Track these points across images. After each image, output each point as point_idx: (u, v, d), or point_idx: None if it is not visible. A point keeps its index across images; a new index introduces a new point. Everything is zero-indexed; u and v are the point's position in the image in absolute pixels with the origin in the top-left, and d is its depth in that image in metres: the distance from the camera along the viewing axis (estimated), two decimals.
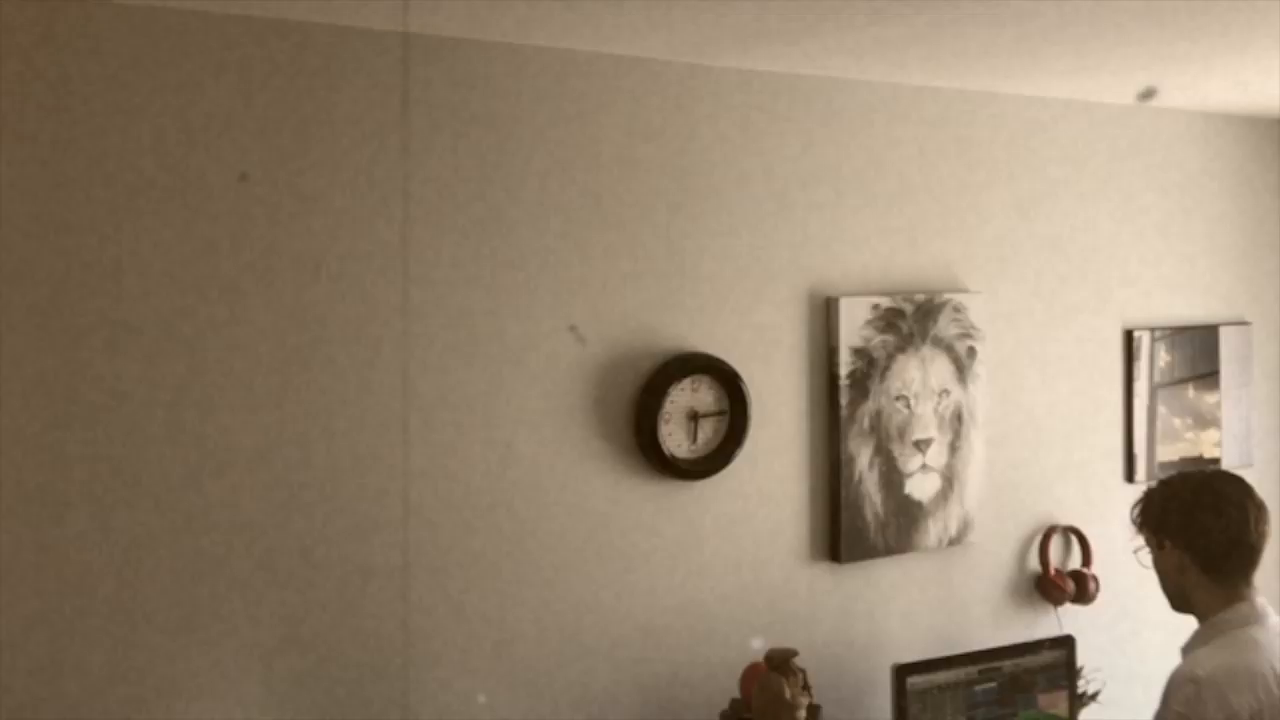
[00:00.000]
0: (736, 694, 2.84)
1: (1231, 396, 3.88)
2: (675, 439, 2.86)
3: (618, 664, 2.82)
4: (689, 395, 2.87)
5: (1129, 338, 3.68)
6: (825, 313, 3.10)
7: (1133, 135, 3.69)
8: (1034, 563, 3.50)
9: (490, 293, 2.64)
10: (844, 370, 3.10)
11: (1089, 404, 3.62)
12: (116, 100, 2.26)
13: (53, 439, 2.22)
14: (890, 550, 3.20)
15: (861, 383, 3.13)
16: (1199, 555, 2.37)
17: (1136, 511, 2.50)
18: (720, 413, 2.93)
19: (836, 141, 3.11)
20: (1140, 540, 2.51)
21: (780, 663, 2.75)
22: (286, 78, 2.41)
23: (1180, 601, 2.45)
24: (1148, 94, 3.04)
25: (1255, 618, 2.35)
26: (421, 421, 2.56)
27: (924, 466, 3.25)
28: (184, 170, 2.32)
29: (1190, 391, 3.80)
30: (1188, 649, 2.40)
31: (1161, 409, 3.73)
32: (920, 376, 3.24)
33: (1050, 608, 3.49)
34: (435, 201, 2.57)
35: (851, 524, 3.13)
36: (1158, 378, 3.73)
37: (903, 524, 3.22)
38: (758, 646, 2.90)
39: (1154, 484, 2.54)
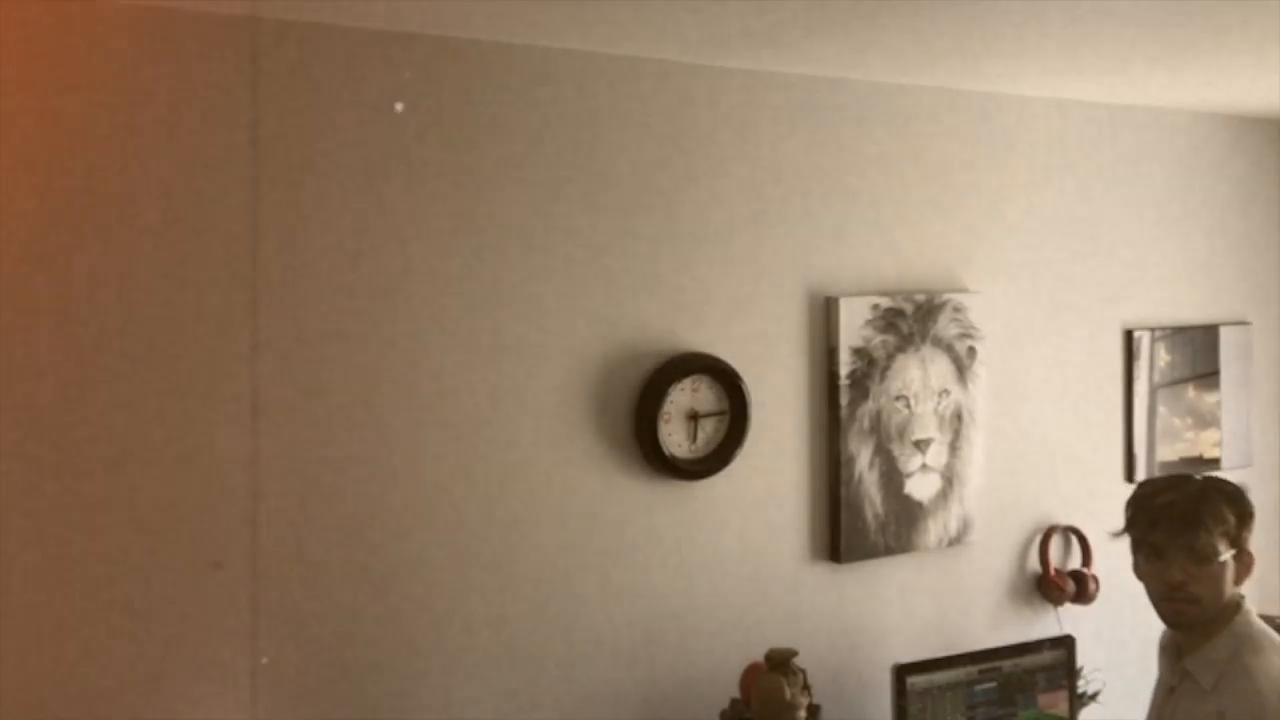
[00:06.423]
0: (736, 694, 2.84)
1: (1231, 396, 3.88)
2: (675, 439, 2.86)
3: (618, 664, 2.82)
4: (689, 395, 2.87)
5: (1129, 338, 3.68)
6: (825, 313, 3.10)
7: (1133, 135, 3.69)
8: (1034, 563, 3.50)
9: (491, 293, 2.64)
10: (844, 370, 3.10)
11: (1089, 404, 3.62)
12: (110, 100, 2.26)
13: (53, 441, 2.22)
14: (890, 550, 3.20)
15: (861, 383, 3.13)
16: (1249, 555, 2.30)
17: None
18: (720, 413, 2.93)
19: (836, 141, 3.11)
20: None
21: (780, 663, 2.75)
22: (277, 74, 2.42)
23: (1219, 607, 2.27)
24: None
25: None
26: (422, 421, 2.56)
27: (924, 466, 3.25)
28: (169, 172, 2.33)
29: (1190, 391, 3.80)
30: (1232, 660, 2.23)
31: (1161, 409, 3.73)
32: (920, 376, 3.23)
33: (1050, 608, 3.49)
34: (434, 202, 2.57)
35: (851, 524, 3.13)
36: (1158, 378, 3.73)
37: (903, 524, 3.22)
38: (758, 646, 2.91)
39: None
